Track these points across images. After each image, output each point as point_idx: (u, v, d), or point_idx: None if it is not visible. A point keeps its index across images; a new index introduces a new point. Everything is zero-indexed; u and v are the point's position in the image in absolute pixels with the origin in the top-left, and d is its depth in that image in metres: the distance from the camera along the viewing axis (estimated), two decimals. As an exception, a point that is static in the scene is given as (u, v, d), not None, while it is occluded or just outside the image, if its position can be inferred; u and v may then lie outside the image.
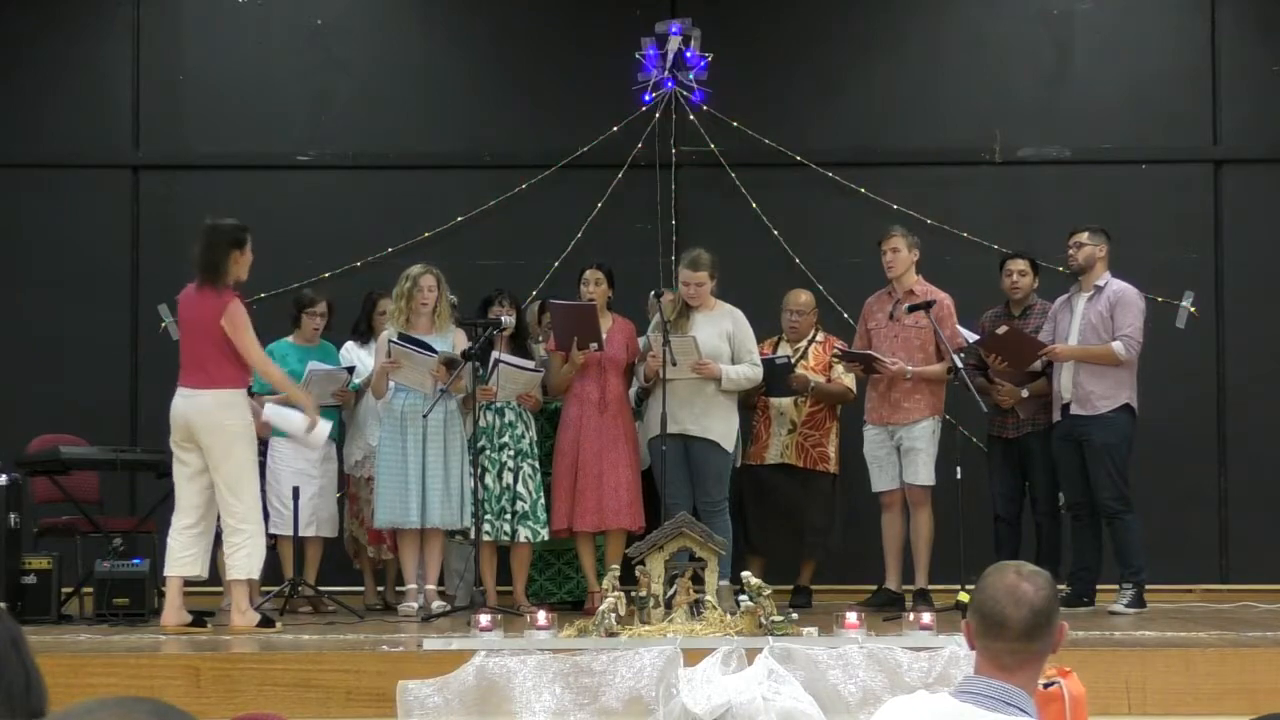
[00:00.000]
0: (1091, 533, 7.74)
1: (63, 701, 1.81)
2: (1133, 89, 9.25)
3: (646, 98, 9.13)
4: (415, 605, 7.38)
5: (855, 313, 8.25)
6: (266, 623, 6.71)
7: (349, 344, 8.18)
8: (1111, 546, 7.68)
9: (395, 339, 7.39)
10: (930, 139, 9.26)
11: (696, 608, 5.98)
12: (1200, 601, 8.48)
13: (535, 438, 7.65)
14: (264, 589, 7.76)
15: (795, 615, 5.92)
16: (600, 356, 7.58)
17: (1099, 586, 7.76)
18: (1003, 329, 7.77)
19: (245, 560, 6.65)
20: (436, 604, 7.30)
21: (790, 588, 8.06)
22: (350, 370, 7.83)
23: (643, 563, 6.08)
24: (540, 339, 8.05)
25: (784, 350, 8.16)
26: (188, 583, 6.81)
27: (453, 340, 7.51)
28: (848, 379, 8.11)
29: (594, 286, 7.73)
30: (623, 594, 6.10)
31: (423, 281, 7.48)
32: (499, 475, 7.46)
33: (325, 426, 7.27)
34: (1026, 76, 9.35)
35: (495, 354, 7.42)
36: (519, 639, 5.79)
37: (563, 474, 7.60)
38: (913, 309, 7.63)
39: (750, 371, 7.60)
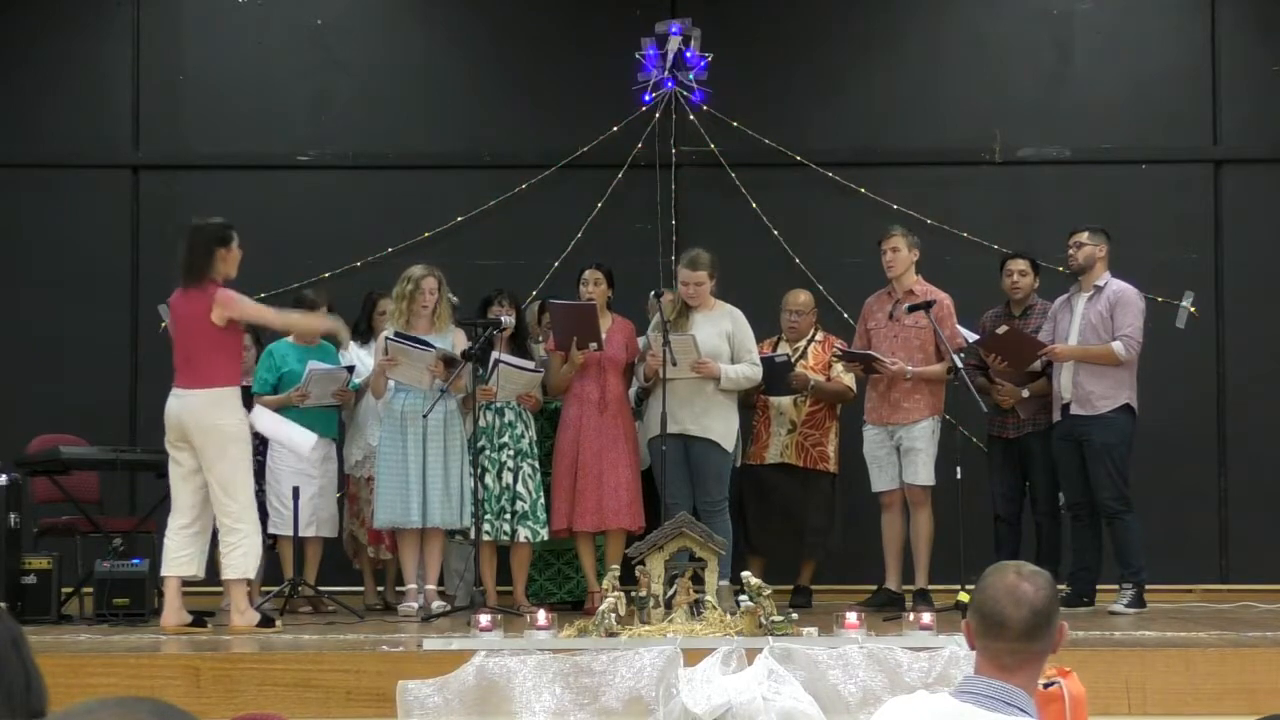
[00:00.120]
0: (1091, 533, 7.74)
1: (63, 701, 1.81)
2: (1133, 89, 9.25)
3: (646, 98, 9.13)
4: (415, 605, 7.38)
5: (855, 313, 8.25)
6: (266, 622, 6.71)
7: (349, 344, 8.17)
8: (1111, 546, 7.68)
9: (392, 336, 7.39)
10: (930, 139, 9.26)
11: (696, 608, 5.98)
12: (1200, 601, 8.48)
13: (535, 437, 7.65)
14: (264, 589, 7.77)
15: (795, 615, 5.91)
16: (600, 356, 7.58)
17: (1099, 586, 7.76)
18: (1003, 329, 7.77)
19: (241, 560, 6.64)
20: (436, 604, 7.29)
21: (790, 588, 8.06)
22: (350, 370, 7.83)
23: (643, 563, 6.09)
24: (540, 339, 8.05)
25: (783, 350, 8.15)
26: (187, 583, 6.81)
27: (452, 340, 7.50)
28: (847, 378, 8.11)
29: (593, 286, 7.73)
30: (623, 594, 6.10)
31: (424, 284, 7.48)
32: (499, 475, 7.46)
33: (310, 436, 7.30)
34: (1026, 76, 9.35)
35: (495, 354, 7.42)
36: (519, 639, 5.79)
37: (562, 474, 7.60)
38: (913, 309, 7.63)
39: (750, 371, 7.60)
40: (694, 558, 6.08)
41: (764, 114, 9.17)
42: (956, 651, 5.31)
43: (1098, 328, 7.61)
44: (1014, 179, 9.27)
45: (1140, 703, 5.40)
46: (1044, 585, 2.71)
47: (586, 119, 9.14)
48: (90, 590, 7.32)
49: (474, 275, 8.52)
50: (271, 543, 7.85)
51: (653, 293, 8.03)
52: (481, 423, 7.44)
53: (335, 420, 7.95)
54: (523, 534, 7.47)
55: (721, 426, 7.55)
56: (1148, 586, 7.61)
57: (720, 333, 7.56)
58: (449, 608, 7.31)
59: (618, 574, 6.53)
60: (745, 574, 6.49)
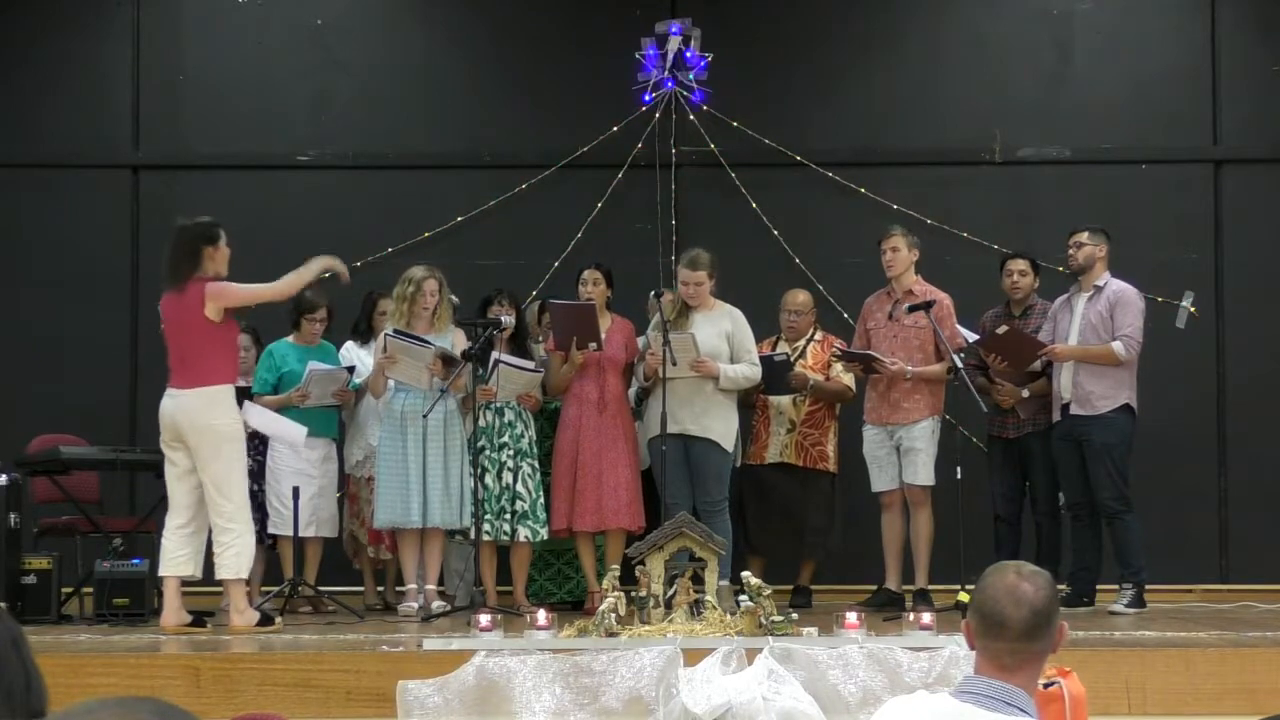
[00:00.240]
0: (1091, 533, 7.74)
1: (63, 701, 1.81)
2: (1133, 89, 9.25)
3: (646, 98, 9.14)
4: (415, 605, 7.38)
5: (855, 312, 8.25)
6: (266, 620, 6.72)
7: (349, 344, 8.18)
8: (1111, 546, 7.68)
9: (391, 333, 7.38)
10: (930, 139, 9.27)
11: (696, 608, 5.98)
12: (1200, 601, 8.48)
13: (535, 437, 7.65)
14: (264, 589, 7.77)
15: (795, 615, 5.91)
16: (599, 356, 7.58)
17: (1099, 586, 7.76)
18: (1003, 329, 7.77)
19: (234, 560, 6.64)
20: (436, 604, 7.29)
21: (790, 588, 8.06)
22: (350, 370, 7.83)
23: (643, 563, 6.09)
24: (540, 339, 8.05)
25: (782, 349, 8.15)
26: (186, 583, 6.81)
27: (452, 340, 7.50)
28: (846, 378, 8.11)
29: (592, 286, 7.74)
30: (623, 594, 6.10)
31: (426, 286, 7.47)
32: (499, 475, 7.46)
33: (301, 427, 7.34)
34: (1026, 76, 9.35)
35: (495, 354, 7.42)
36: (519, 639, 5.79)
37: (562, 474, 7.60)
38: (913, 309, 7.63)
39: (749, 371, 7.60)
40: (694, 558, 6.08)
41: (764, 114, 9.17)
42: (956, 651, 5.31)
43: (1098, 328, 7.61)
44: (1014, 179, 9.27)
45: (1140, 703, 5.40)
46: (1044, 585, 2.71)
47: (586, 119, 9.14)
48: (90, 590, 7.32)
49: (474, 275, 8.52)
50: (271, 543, 7.86)
51: (653, 293, 8.03)
52: (481, 423, 7.44)
53: (335, 420, 7.96)
54: (523, 534, 7.47)
55: (721, 426, 7.55)
56: (1148, 586, 7.60)
57: (720, 332, 7.56)
58: (449, 608, 7.31)
59: (618, 574, 6.53)
60: (745, 574, 6.50)
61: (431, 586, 7.42)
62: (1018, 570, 2.73)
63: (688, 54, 9.11)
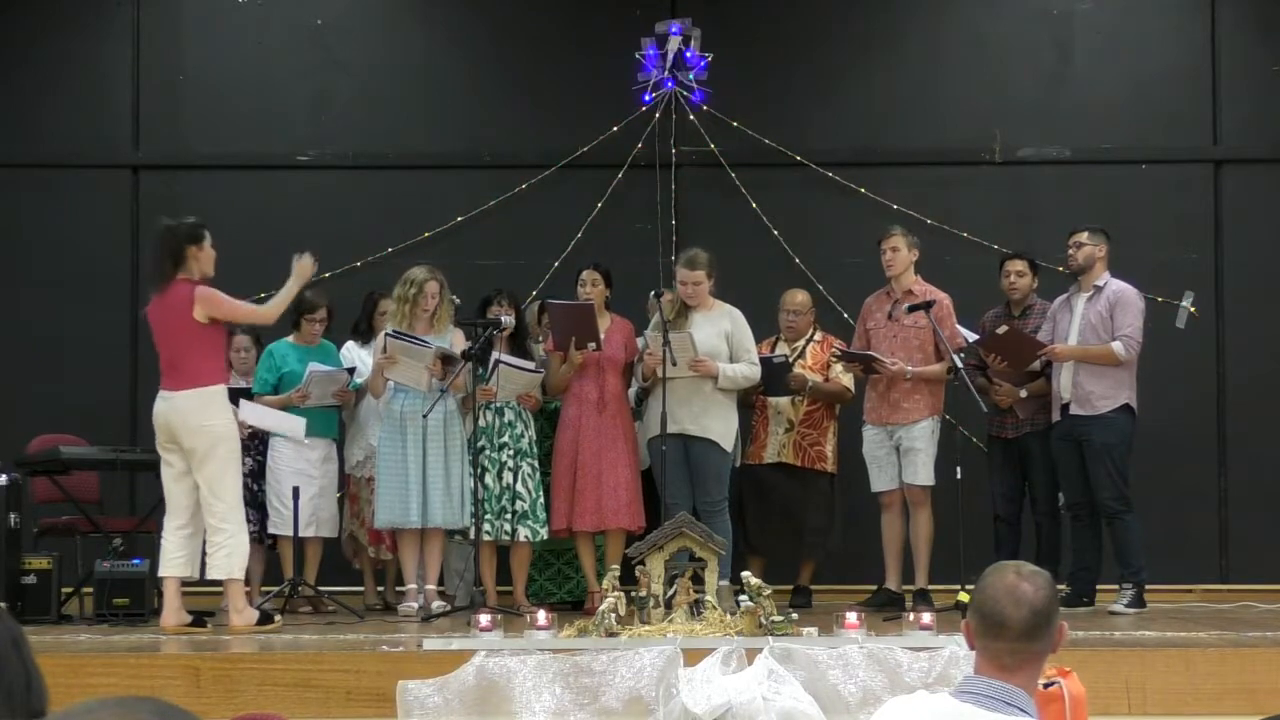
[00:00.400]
0: (1091, 533, 7.74)
1: (63, 701, 1.81)
2: (1133, 89, 9.25)
3: (646, 98, 9.13)
4: (415, 605, 7.38)
5: (854, 313, 8.25)
6: (266, 619, 6.72)
7: (349, 344, 8.18)
8: (1111, 546, 7.68)
9: (391, 333, 7.38)
10: (930, 139, 9.26)
11: (696, 608, 5.98)
12: (1200, 601, 8.48)
13: (535, 437, 7.65)
14: (264, 589, 7.77)
15: (795, 615, 5.91)
16: (598, 356, 7.58)
17: (1099, 586, 7.76)
18: (1003, 329, 7.77)
19: (225, 560, 6.63)
20: (436, 604, 7.29)
21: (790, 588, 8.06)
22: (351, 371, 7.83)
23: (643, 563, 6.09)
24: (540, 339, 8.05)
25: (782, 350, 8.15)
26: (187, 583, 6.81)
27: (451, 340, 7.50)
28: (846, 379, 8.11)
29: (591, 287, 7.74)
30: (623, 594, 6.10)
31: (427, 288, 7.46)
32: (499, 475, 7.46)
33: (300, 420, 7.33)
34: (1026, 76, 9.35)
35: (495, 354, 7.41)
36: (519, 639, 5.79)
37: (562, 474, 7.60)
38: (913, 309, 7.63)
39: (748, 370, 7.60)
40: (694, 558, 6.08)
41: (764, 114, 9.17)
42: (956, 651, 5.31)
43: (1097, 328, 7.61)
44: (1014, 179, 9.27)
45: (1140, 703, 5.40)
46: (1044, 585, 2.71)
47: (586, 119, 9.14)
48: (90, 590, 7.32)
49: (474, 275, 8.51)
50: (271, 543, 7.86)
51: (653, 293, 8.03)
52: (481, 423, 7.44)
53: (336, 420, 7.96)
54: (522, 534, 7.47)
55: (721, 426, 7.55)
56: (1148, 586, 7.61)
57: (719, 332, 7.56)
58: (449, 608, 7.31)
59: (618, 574, 6.53)
60: (745, 574, 6.50)
61: (431, 586, 7.42)
62: (1017, 570, 2.73)
63: (688, 54, 9.11)
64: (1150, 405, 7.87)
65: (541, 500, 7.55)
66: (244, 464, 7.22)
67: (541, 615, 5.84)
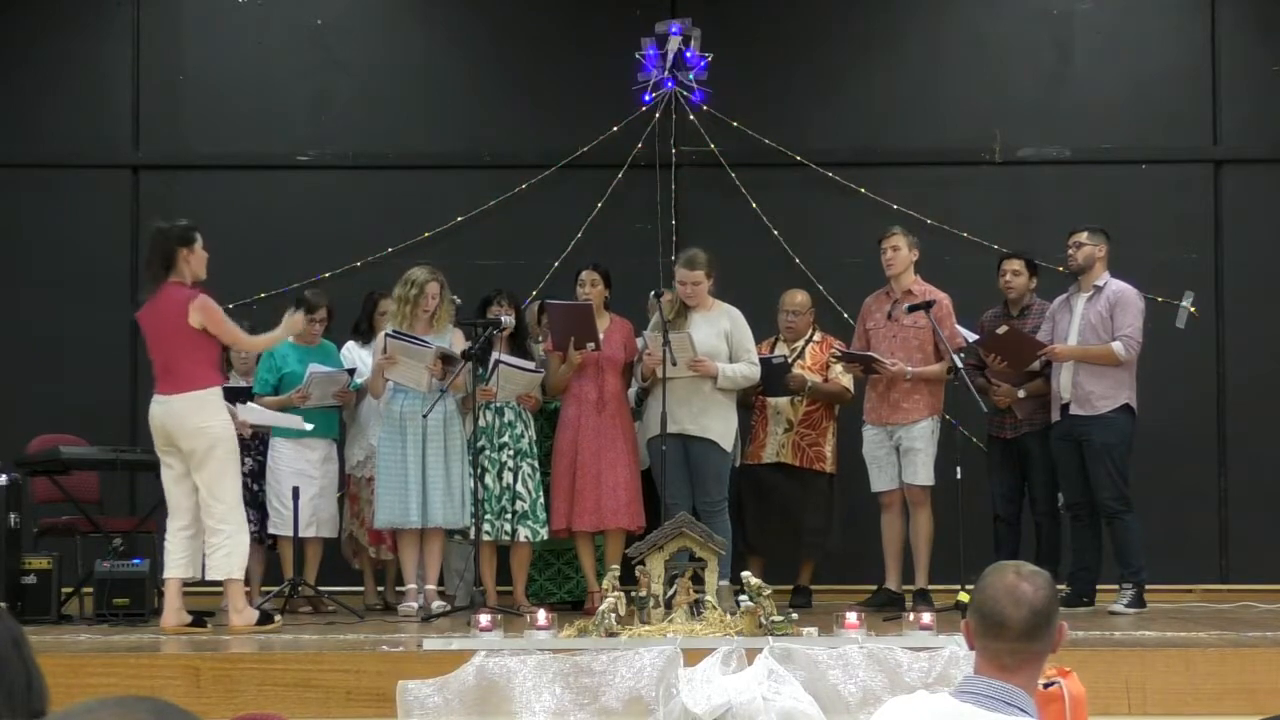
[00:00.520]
0: (1091, 533, 7.74)
1: (63, 701, 1.81)
2: (1133, 89, 9.25)
3: (646, 98, 9.14)
4: (415, 605, 7.38)
5: (854, 312, 8.25)
6: (266, 619, 6.72)
7: (350, 344, 8.18)
8: (1111, 546, 7.68)
9: (391, 333, 7.38)
10: (930, 139, 9.27)
11: (696, 608, 5.98)
12: (1200, 601, 8.48)
13: (534, 437, 7.65)
14: (264, 589, 7.77)
15: (795, 615, 5.91)
16: (598, 356, 7.58)
17: (1099, 586, 7.76)
18: (1003, 329, 7.77)
19: (224, 561, 6.63)
20: (436, 604, 7.29)
21: (790, 588, 8.06)
22: (351, 371, 7.83)
23: (643, 563, 6.09)
24: (540, 339, 8.05)
25: (781, 350, 8.15)
26: (188, 584, 6.81)
27: (451, 340, 7.50)
28: (845, 379, 8.11)
29: (590, 287, 7.74)
30: (623, 594, 6.11)
31: (428, 289, 7.46)
32: (499, 475, 7.46)
33: (297, 417, 7.35)
34: (1026, 76, 9.35)
35: (495, 354, 7.41)
36: (519, 639, 5.79)
37: (561, 474, 7.61)
38: (913, 309, 7.63)
39: (748, 370, 7.60)
40: (694, 558, 6.08)
41: (764, 114, 9.17)
42: (956, 651, 5.31)
43: (1097, 328, 7.61)
44: (1014, 179, 9.27)
45: (1140, 703, 5.40)
46: (1044, 585, 2.71)
47: (586, 119, 9.14)
48: (90, 590, 7.32)
49: (474, 275, 8.51)
50: (271, 543, 7.86)
51: (653, 293, 8.03)
52: (481, 423, 7.44)
53: (336, 421, 7.96)
54: (522, 534, 7.47)
55: (720, 426, 7.55)
56: (1148, 586, 7.60)
57: (719, 332, 7.56)
58: (449, 608, 7.31)
59: (618, 574, 6.53)
60: (745, 574, 6.50)
61: (431, 586, 7.42)
62: (1017, 570, 2.73)
63: (688, 54, 9.11)
64: (1150, 405, 7.87)
65: (541, 500, 7.55)
66: (244, 464, 7.24)
67: (541, 615, 5.84)
